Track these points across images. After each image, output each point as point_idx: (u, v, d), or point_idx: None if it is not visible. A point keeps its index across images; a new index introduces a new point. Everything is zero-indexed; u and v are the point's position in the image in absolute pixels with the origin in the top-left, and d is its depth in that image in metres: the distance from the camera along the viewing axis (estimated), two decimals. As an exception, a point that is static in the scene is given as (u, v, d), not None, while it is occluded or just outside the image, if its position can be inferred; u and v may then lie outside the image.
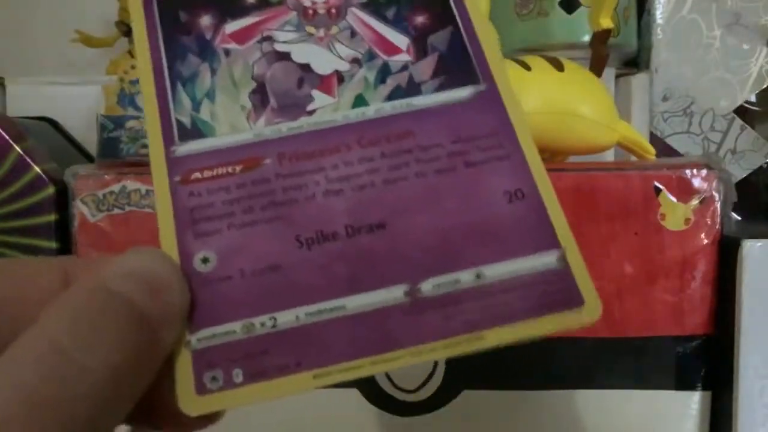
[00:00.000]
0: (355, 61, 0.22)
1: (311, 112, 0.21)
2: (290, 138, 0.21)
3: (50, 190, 0.38)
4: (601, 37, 0.44)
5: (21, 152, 0.38)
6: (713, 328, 0.36)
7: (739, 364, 0.34)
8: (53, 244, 0.38)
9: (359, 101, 0.22)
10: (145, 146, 0.40)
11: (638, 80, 0.54)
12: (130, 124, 0.41)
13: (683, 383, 0.36)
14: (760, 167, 0.54)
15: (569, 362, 0.36)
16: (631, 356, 0.36)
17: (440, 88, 0.22)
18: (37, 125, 0.48)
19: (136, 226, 0.36)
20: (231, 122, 0.21)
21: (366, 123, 0.21)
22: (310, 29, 0.23)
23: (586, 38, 0.50)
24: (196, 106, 0.21)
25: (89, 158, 0.49)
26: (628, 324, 0.36)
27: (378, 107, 0.21)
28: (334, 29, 0.23)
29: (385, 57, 0.22)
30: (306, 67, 0.22)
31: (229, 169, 0.20)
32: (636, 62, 0.57)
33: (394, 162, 0.20)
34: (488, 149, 0.21)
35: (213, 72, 0.22)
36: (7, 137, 0.38)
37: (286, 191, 0.20)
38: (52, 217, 0.38)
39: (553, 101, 0.40)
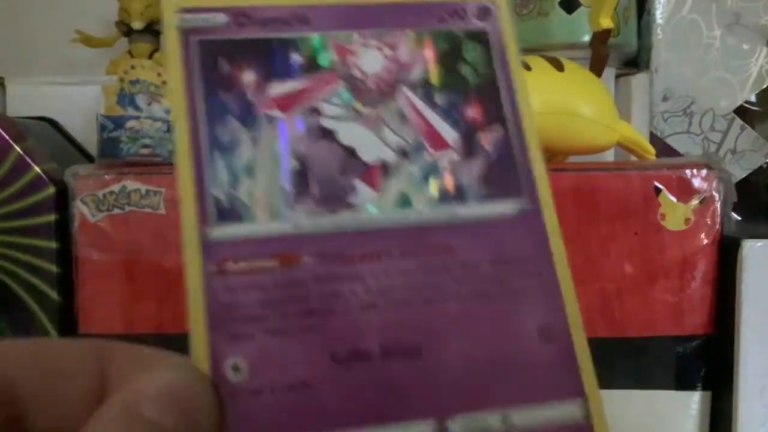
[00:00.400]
0: (402, 152, 0.21)
1: (353, 207, 0.20)
2: (330, 235, 0.20)
3: (50, 190, 0.38)
4: (601, 37, 0.44)
5: (21, 152, 0.38)
6: (713, 328, 0.36)
7: (739, 364, 0.34)
8: (53, 244, 0.38)
9: (403, 200, 0.20)
10: (145, 146, 0.40)
11: (638, 80, 0.54)
12: (130, 124, 0.41)
13: (683, 383, 0.36)
14: (760, 167, 0.54)
15: (569, 362, 0.36)
16: (631, 356, 0.36)
17: (485, 197, 0.21)
18: (37, 125, 0.48)
19: (136, 226, 0.36)
20: (270, 206, 0.20)
21: (408, 229, 0.20)
22: (359, 106, 0.21)
23: (586, 38, 0.50)
24: (234, 181, 0.20)
25: (89, 158, 0.49)
26: (628, 324, 0.36)
27: (421, 211, 0.20)
28: (384, 110, 0.21)
29: (432, 152, 0.21)
30: (351, 152, 0.21)
31: (266, 264, 0.19)
32: (636, 62, 0.57)
33: (432, 279, 0.20)
34: (526, 276, 0.20)
35: (254, 142, 0.20)
36: (7, 137, 0.38)
37: (323, 299, 0.19)
38: (52, 217, 0.38)
39: (553, 101, 0.40)
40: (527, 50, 0.52)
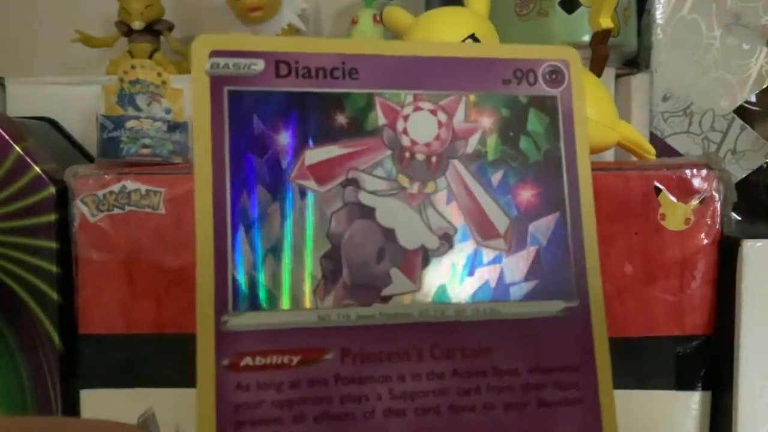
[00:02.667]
0: (446, 238, 0.19)
1: (387, 299, 0.18)
2: (358, 329, 0.18)
3: (50, 190, 0.38)
4: (601, 37, 0.43)
5: (21, 152, 0.38)
6: (713, 328, 0.36)
7: (739, 364, 0.34)
8: (53, 244, 0.38)
9: (441, 294, 0.18)
10: (145, 146, 0.40)
11: (638, 80, 0.54)
12: (130, 124, 0.41)
13: (683, 383, 0.36)
14: (760, 167, 0.54)
15: (569, 362, 0.36)
16: (631, 356, 0.36)
17: (530, 295, 0.19)
18: (37, 125, 0.48)
19: (136, 226, 0.36)
20: (295, 294, 0.18)
21: (443, 326, 0.18)
22: (403, 180, 0.19)
23: (586, 38, 0.50)
24: (258, 262, 0.18)
25: (89, 158, 0.49)
26: (628, 324, 0.36)
27: (459, 308, 0.18)
28: (430, 186, 0.19)
29: (479, 240, 0.19)
30: (390, 234, 0.18)
31: (285, 359, 0.17)
32: (636, 62, 0.57)
33: (464, 384, 0.18)
34: (565, 388, 0.18)
35: (284, 217, 0.18)
36: (7, 137, 0.38)
37: (345, 402, 0.17)
38: (52, 217, 0.38)
39: (553, 101, 0.40)
40: (527, 50, 0.52)
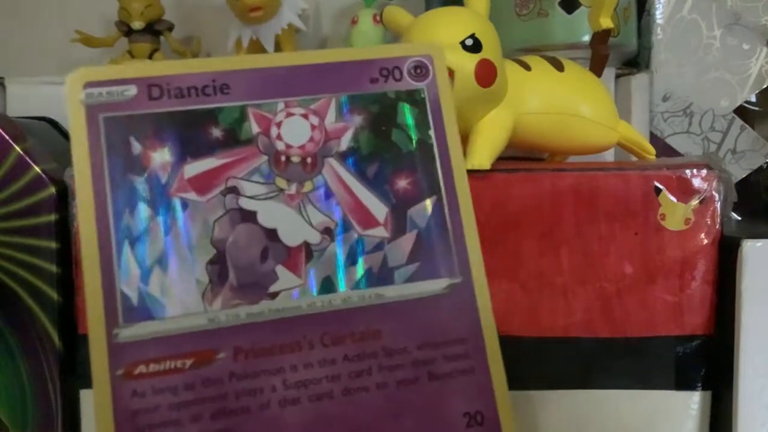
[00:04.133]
0: (327, 232, 0.20)
1: (274, 295, 0.19)
2: (249, 327, 0.18)
3: (50, 190, 0.38)
4: (601, 37, 0.44)
5: (21, 152, 0.38)
6: (713, 328, 0.36)
7: (739, 364, 0.34)
8: (53, 244, 0.38)
9: (326, 285, 0.19)
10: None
11: (638, 80, 0.54)
12: (130, 124, 0.41)
13: (683, 383, 0.36)
14: (760, 167, 0.54)
15: (569, 362, 0.36)
16: (631, 356, 0.36)
17: (414, 277, 0.20)
18: (37, 125, 0.48)
19: (136, 226, 0.36)
20: (184, 300, 0.18)
21: (331, 315, 0.19)
22: (281, 182, 0.20)
23: (586, 38, 0.50)
24: (145, 274, 0.18)
25: (89, 158, 0.49)
26: (628, 324, 0.36)
27: (346, 296, 0.19)
28: (308, 185, 0.20)
29: (359, 230, 0.20)
30: (272, 234, 0.19)
31: (178, 364, 0.18)
32: (636, 62, 0.57)
33: (356, 368, 0.19)
34: (454, 359, 0.19)
35: (167, 230, 0.19)
36: (7, 137, 0.38)
37: (240, 397, 0.18)
38: (52, 217, 0.38)
39: (553, 101, 0.40)
40: (527, 50, 0.52)
